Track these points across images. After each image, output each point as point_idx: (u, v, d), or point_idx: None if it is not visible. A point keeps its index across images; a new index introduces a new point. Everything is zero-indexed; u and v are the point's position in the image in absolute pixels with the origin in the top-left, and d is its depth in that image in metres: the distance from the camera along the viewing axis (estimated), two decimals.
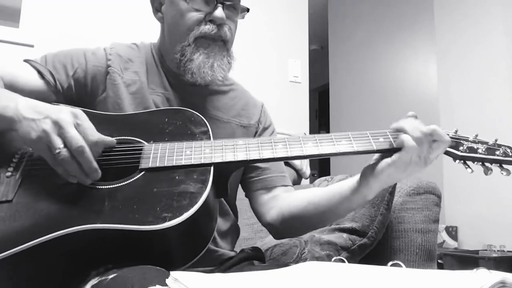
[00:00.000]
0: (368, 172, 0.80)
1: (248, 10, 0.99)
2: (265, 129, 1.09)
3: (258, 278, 0.57)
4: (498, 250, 2.55)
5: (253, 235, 1.45)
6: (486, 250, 2.62)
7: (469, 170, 0.79)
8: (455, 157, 0.80)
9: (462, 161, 0.80)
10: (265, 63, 2.51)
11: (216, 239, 0.94)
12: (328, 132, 4.52)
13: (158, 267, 0.63)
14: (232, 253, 0.98)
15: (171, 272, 0.54)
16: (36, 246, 0.66)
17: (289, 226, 0.95)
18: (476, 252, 2.64)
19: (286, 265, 0.72)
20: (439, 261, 2.60)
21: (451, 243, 2.96)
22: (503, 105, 2.81)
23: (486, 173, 0.79)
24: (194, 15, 0.92)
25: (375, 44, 3.82)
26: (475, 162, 0.80)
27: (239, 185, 1.07)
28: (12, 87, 0.87)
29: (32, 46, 1.95)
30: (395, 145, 0.77)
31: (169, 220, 0.66)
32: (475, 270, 0.53)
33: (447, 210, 3.03)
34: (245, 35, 2.46)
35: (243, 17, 1.00)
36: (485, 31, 2.97)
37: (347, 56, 4.11)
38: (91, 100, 0.94)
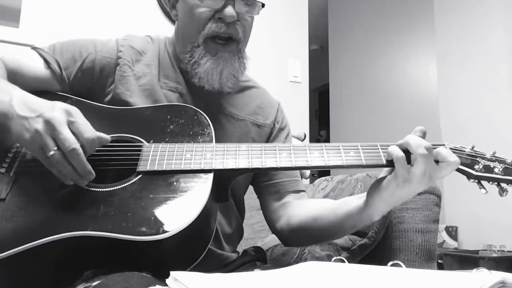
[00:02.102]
0: (373, 190, 0.77)
1: (263, 5, 0.92)
2: (281, 129, 1.05)
3: (258, 278, 0.57)
4: (498, 250, 2.55)
5: (253, 235, 1.45)
6: (486, 250, 2.62)
7: (483, 191, 0.74)
8: (469, 176, 0.75)
9: (476, 181, 0.75)
10: (265, 63, 2.51)
11: (222, 241, 0.93)
12: (328, 132, 4.52)
13: (144, 274, 0.62)
14: (235, 255, 0.97)
15: (171, 272, 0.54)
16: (25, 250, 0.64)
17: (297, 237, 0.95)
18: (476, 252, 2.64)
19: (287, 265, 0.71)
20: (439, 261, 2.60)
21: (451, 243, 2.96)
22: (503, 105, 2.81)
23: (501, 195, 0.74)
24: (203, 12, 0.88)
25: (375, 44, 3.82)
26: (490, 182, 0.75)
27: (250, 185, 1.04)
28: (15, 74, 0.85)
29: (32, 46, 1.95)
30: (386, 159, 0.74)
31: (163, 232, 0.64)
32: (475, 270, 0.53)
33: (447, 210, 3.03)
34: None
35: (258, 13, 0.93)
36: (485, 31, 2.97)
37: (347, 56, 4.11)
38: (99, 92, 0.91)
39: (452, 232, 2.98)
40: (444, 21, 3.27)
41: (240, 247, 1.03)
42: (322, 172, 4.62)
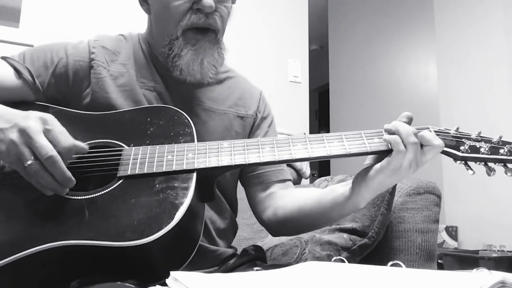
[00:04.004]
0: (360, 179, 0.77)
1: None
2: (263, 119, 1.04)
3: (258, 278, 0.57)
4: (498, 250, 2.55)
5: (253, 235, 1.45)
6: (486, 250, 2.62)
7: (470, 171, 0.73)
8: (455, 158, 0.75)
9: (463, 162, 0.75)
10: (265, 63, 2.51)
11: (214, 238, 0.93)
12: (328, 132, 4.52)
13: (127, 284, 0.62)
14: (231, 251, 0.97)
15: (171, 272, 0.54)
16: (8, 264, 0.63)
17: (284, 227, 0.94)
18: (476, 252, 2.64)
19: (287, 265, 0.71)
20: (439, 261, 2.60)
21: (451, 243, 2.96)
22: (503, 104, 2.81)
23: (488, 174, 0.73)
24: (180, 4, 0.86)
25: (375, 44, 3.82)
26: (477, 163, 0.74)
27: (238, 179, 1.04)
28: None
29: (32, 46, 1.95)
30: (384, 145, 0.73)
31: (147, 235, 0.62)
32: (475, 270, 0.53)
33: (447, 210, 3.03)
34: (245, 35, 2.47)
35: (234, 2, 0.93)
36: (485, 31, 2.97)
37: (347, 56, 4.11)
38: (76, 96, 0.89)
39: (452, 232, 2.98)
40: (444, 21, 3.27)
41: (240, 247, 1.03)
42: (322, 172, 4.63)
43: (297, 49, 2.64)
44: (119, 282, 0.62)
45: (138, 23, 2.15)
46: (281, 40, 2.60)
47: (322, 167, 4.90)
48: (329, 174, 3.12)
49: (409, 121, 0.76)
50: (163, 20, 0.90)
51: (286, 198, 0.94)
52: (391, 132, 0.74)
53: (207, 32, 0.89)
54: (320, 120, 6.01)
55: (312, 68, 3.02)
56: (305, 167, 2.09)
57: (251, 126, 1.02)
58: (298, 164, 2.06)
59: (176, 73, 0.90)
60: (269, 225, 0.97)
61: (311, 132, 3.03)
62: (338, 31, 4.25)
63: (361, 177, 0.77)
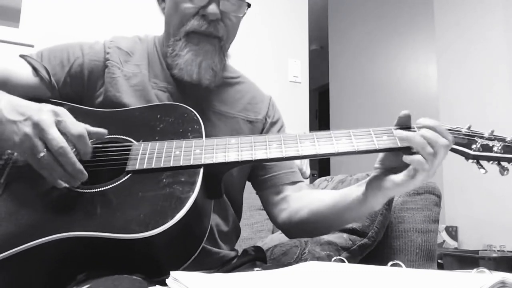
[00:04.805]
0: (375, 186, 0.76)
1: (249, 5, 0.93)
2: (273, 124, 1.05)
3: (258, 278, 0.57)
4: (498, 250, 2.55)
5: (253, 235, 1.45)
6: (486, 250, 2.62)
7: (482, 170, 0.72)
8: (467, 157, 0.73)
9: (475, 161, 0.73)
10: (265, 63, 2.51)
11: (217, 241, 0.93)
12: None
13: (134, 277, 0.62)
14: (233, 253, 0.97)
15: (171, 272, 0.54)
16: (16, 253, 0.64)
17: (300, 230, 0.95)
18: (476, 252, 2.64)
19: (287, 265, 0.71)
20: (439, 261, 2.60)
21: (451, 243, 2.96)
22: (503, 104, 2.81)
23: (502, 174, 0.72)
24: (188, 7, 0.88)
25: (375, 44, 3.82)
26: (490, 162, 0.73)
27: (247, 182, 1.04)
28: (5, 83, 0.85)
29: (32, 46, 1.95)
30: (393, 142, 0.72)
31: (152, 228, 0.63)
32: (475, 270, 0.53)
33: (447, 210, 3.03)
34: (245, 35, 2.46)
35: (243, 13, 0.94)
36: (485, 31, 2.97)
37: (347, 56, 4.11)
38: (90, 95, 0.91)
39: (452, 232, 2.98)
40: (444, 21, 3.27)
41: (240, 247, 1.03)
42: (322, 172, 4.62)
43: (297, 49, 2.64)
44: (126, 275, 0.62)
45: (138, 23, 2.16)
46: (281, 40, 2.60)
47: (322, 167, 4.90)
48: (329, 174, 3.12)
49: (408, 119, 0.75)
50: (170, 21, 0.92)
51: (300, 202, 0.94)
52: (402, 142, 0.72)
53: (209, 36, 0.90)
54: (320, 120, 6.01)
55: (312, 68, 3.02)
56: (305, 167, 2.09)
57: (260, 131, 1.03)
58: (298, 163, 2.05)
59: (175, 71, 0.91)
60: (285, 229, 0.98)
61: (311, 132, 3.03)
62: (338, 31, 4.25)
63: (376, 184, 0.76)
